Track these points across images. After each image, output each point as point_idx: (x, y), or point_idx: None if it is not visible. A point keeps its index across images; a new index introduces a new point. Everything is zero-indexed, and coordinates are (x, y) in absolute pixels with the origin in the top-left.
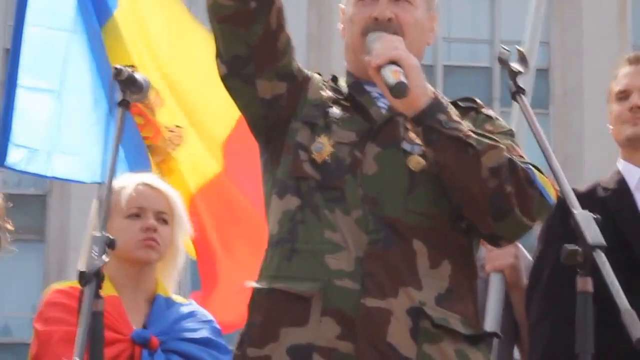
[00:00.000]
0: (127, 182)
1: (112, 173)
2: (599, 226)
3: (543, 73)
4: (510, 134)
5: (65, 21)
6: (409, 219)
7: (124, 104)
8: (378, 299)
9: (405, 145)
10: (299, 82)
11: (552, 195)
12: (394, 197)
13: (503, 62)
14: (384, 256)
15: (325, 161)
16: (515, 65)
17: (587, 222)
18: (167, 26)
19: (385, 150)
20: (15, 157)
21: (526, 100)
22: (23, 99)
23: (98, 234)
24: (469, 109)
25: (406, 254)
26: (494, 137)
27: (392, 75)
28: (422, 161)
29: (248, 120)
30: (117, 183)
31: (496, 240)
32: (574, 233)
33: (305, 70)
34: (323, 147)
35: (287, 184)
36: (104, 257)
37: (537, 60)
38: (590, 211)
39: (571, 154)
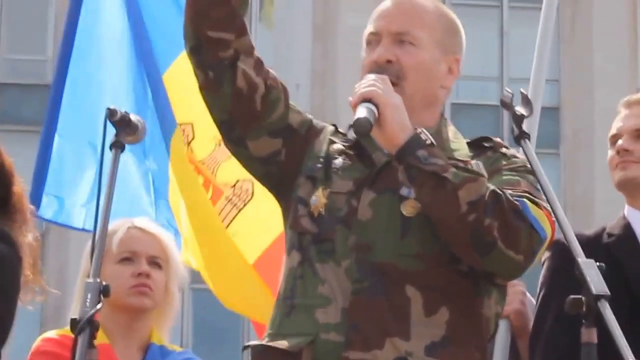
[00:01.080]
0: (118, 225)
1: (106, 217)
2: (603, 275)
3: (553, 112)
4: (523, 170)
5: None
6: (402, 264)
7: (118, 146)
8: (362, 351)
9: (403, 190)
10: (301, 136)
11: (546, 229)
12: (387, 242)
13: (506, 105)
14: (369, 306)
15: (320, 214)
16: (519, 109)
17: (591, 271)
18: None
19: (380, 196)
20: (47, 207)
21: (530, 144)
22: (59, 148)
23: (91, 281)
24: (486, 148)
25: (396, 302)
26: (478, 170)
27: (359, 112)
28: (417, 205)
29: (256, 179)
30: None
31: (491, 278)
32: (578, 280)
33: (316, 123)
34: (318, 199)
35: (292, 239)
36: (97, 305)
37: (546, 99)
38: (595, 257)
39: (582, 193)
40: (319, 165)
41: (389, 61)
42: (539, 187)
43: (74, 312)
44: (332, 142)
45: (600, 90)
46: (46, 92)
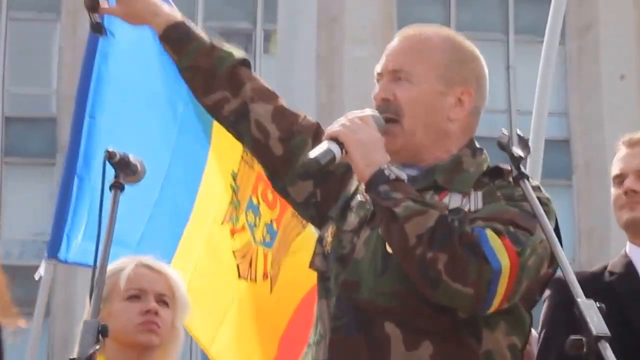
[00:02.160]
0: (125, 263)
1: (105, 256)
2: (603, 315)
3: (564, 144)
4: (520, 198)
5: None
6: (381, 301)
7: (118, 186)
8: None
9: None
10: (336, 177)
11: (501, 260)
12: (369, 280)
13: (503, 146)
14: (346, 342)
15: (328, 252)
16: (517, 150)
17: (592, 312)
18: None
19: (372, 233)
20: (69, 249)
21: (529, 185)
22: (79, 190)
23: (90, 320)
24: (497, 177)
25: (375, 338)
26: (433, 203)
27: (315, 151)
28: None
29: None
30: (115, 265)
31: (453, 312)
32: (578, 320)
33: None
34: (327, 238)
35: (318, 281)
36: (96, 345)
37: (557, 132)
38: (596, 296)
39: (596, 225)
40: (338, 204)
41: (385, 99)
42: (534, 215)
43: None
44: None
45: (610, 121)
46: (51, 125)
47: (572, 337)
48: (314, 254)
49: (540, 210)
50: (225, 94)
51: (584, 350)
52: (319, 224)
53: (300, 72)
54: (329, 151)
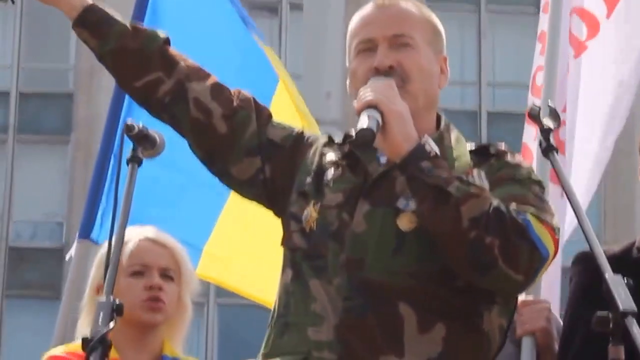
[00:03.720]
0: (129, 237)
1: (122, 232)
2: (630, 291)
3: None
4: (529, 180)
5: None
6: (395, 281)
7: (135, 160)
8: None
9: (400, 202)
10: (285, 150)
11: (548, 247)
12: (379, 258)
13: (534, 118)
14: (358, 324)
15: (312, 229)
16: (547, 121)
17: (619, 287)
18: None
19: (375, 209)
20: (102, 230)
21: (558, 158)
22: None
23: (104, 299)
24: (489, 155)
25: (388, 320)
26: (481, 185)
27: (363, 120)
28: (413, 219)
29: (259, 204)
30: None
31: (490, 295)
32: (605, 296)
33: (307, 136)
34: (309, 214)
35: (286, 256)
36: (110, 324)
37: None
38: (623, 273)
39: (622, 203)
40: (309, 180)
41: (390, 67)
42: (545, 198)
43: (82, 324)
44: (325, 153)
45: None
46: (67, 102)
47: (599, 313)
48: (289, 232)
49: (569, 184)
50: (159, 75)
51: (611, 327)
52: (270, 200)
53: (328, 44)
54: (375, 121)
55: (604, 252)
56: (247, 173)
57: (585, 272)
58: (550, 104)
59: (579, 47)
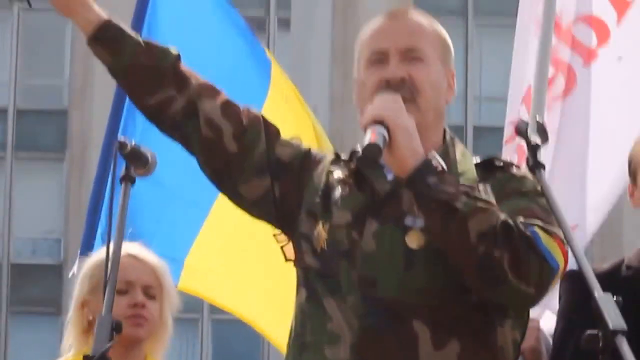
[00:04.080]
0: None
1: (118, 251)
2: (620, 309)
3: None
4: (534, 193)
5: None
6: (407, 299)
7: (128, 179)
8: None
9: (408, 220)
10: (294, 169)
11: (558, 259)
12: (390, 276)
13: (521, 134)
14: (375, 342)
15: (322, 249)
16: (534, 138)
17: (608, 305)
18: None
19: (383, 227)
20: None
21: (545, 174)
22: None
23: (104, 316)
24: (495, 168)
25: (404, 337)
26: (489, 199)
27: (369, 135)
28: (421, 236)
29: (268, 223)
30: (101, 255)
31: (503, 309)
32: (595, 315)
33: (314, 154)
34: (319, 234)
35: (299, 276)
36: (110, 341)
37: None
38: (613, 291)
39: (609, 221)
40: (317, 199)
41: (402, 79)
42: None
43: (67, 338)
44: (332, 171)
45: None
46: (62, 118)
47: (589, 331)
48: (301, 252)
49: (555, 202)
50: (171, 92)
51: (601, 344)
52: (279, 220)
53: (315, 59)
54: (381, 136)
55: (593, 270)
56: (256, 192)
57: (574, 290)
58: (538, 120)
59: (588, 55)
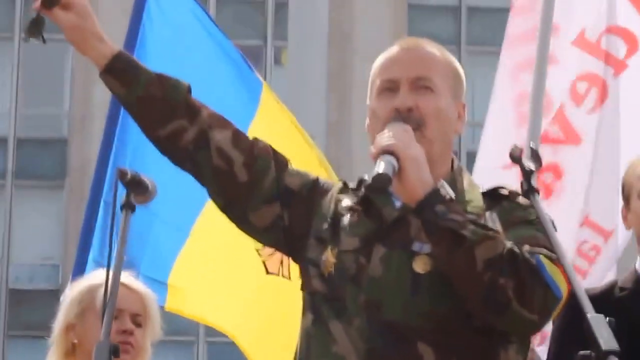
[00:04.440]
0: (102, 280)
1: (117, 277)
2: (612, 330)
3: None
4: (538, 222)
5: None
6: (413, 322)
7: (129, 207)
8: None
9: (415, 246)
10: (302, 198)
11: (561, 287)
12: (397, 300)
13: (515, 159)
14: None
15: (330, 273)
16: (528, 164)
17: (601, 326)
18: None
19: (391, 252)
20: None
21: (539, 199)
22: (105, 215)
23: (102, 341)
24: (501, 197)
25: (409, 359)
26: (495, 228)
27: (379, 166)
28: (428, 261)
29: (277, 250)
30: (91, 279)
31: (506, 336)
32: (588, 336)
33: (322, 183)
34: (327, 259)
35: (305, 300)
36: None
37: None
38: (606, 312)
39: None
40: (326, 226)
41: (410, 109)
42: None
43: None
44: (340, 199)
45: None
46: (62, 147)
47: (581, 352)
48: (308, 277)
49: (550, 226)
50: (183, 123)
51: None
52: (288, 246)
53: (310, 88)
54: (391, 166)
55: (587, 291)
56: (266, 220)
57: (567, 311)
58: (532, 146)
59: (618, 66)
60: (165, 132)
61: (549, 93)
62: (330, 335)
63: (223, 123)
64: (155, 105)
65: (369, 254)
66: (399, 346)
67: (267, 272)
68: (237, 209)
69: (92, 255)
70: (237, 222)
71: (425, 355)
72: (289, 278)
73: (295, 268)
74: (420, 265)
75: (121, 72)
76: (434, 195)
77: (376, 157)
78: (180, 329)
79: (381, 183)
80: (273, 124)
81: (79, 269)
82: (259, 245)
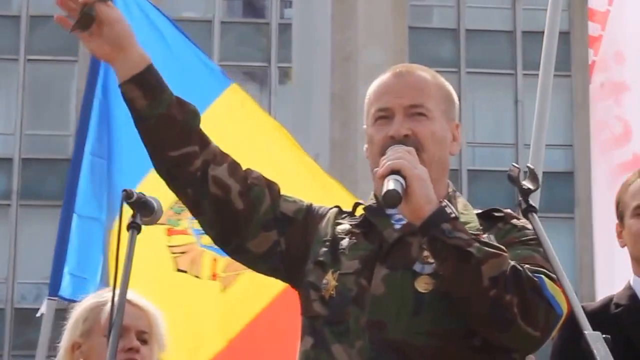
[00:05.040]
0: (107, 297)
1: (123, 297)
2: (609, 346)
3: (568, 176)
4: (535, 243)
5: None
6: (415, 341)
7: (135, 227)
8: None
9: (417, 266)
10: (299, 223)
11: (562, 305)
12: (399, 319)
13: (513, 179)
14: None
15: (332, 296)
16: (526, 183)
17: (598, 344)
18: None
19: (393, 272)
20: (69, 286)
21: (537, 218)
22: (79, 228)
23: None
24: (496, 219)
25: None
26: (499, 245)
27: (387, 185)
28: (430, 281)
29: (269, 276)
30: (97, 297)
31: (507, 352)
32: (586, 353)
33: (316, 208)
34: (328, 282)
35: (305, 325)
36: None
37: (561, 164)
38: (603, 329)
39: (590, 254)
40: (325, 249)
41: (405, 135)
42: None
43: None
44: (337, 223)
45: None
46: (67, 166)
47: None
48: (309, 301)
49: (549, 244)
50: (196, 149)
51: None
52: (286, 272)
53: (314, 110)
54: (399, 184)
55: (583, 308)
56: (263, 247)
57: (565, 328)
58: (529, 166)
59: None
60: (177, 153)
61: (624, 118)
62: (332, 358)
63: (223, 154)
64: (174, 126)
65: (369, 275)
66: None
67: (178, 269)
68: (234, 238)
69: (67, 268)
70: (232, 251)
71: None
72: (199, 277)
73: (207, 267)
74: (422, 285)
75: (149, 85)
76: (440, 213)
77: (384, 176)
78: None
79: (392, 200)
80: (228, 120)
81: (55, 284)
82: (173, 244)
